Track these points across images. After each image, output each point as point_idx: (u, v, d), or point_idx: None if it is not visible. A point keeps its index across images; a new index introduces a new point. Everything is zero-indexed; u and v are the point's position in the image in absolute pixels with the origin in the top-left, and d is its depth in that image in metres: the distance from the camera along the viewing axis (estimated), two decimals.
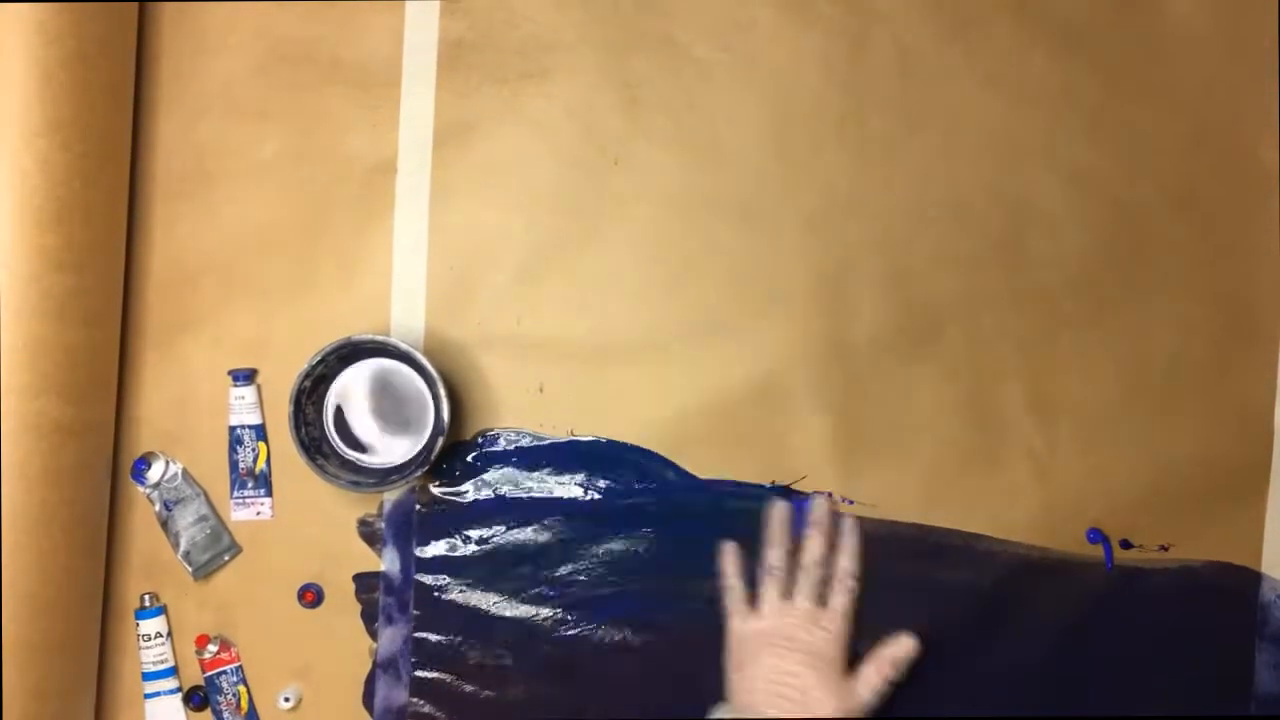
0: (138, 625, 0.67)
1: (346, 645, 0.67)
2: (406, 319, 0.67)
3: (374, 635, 0.67)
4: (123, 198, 0.65)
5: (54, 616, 0.60)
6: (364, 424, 0.66)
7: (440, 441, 0.63)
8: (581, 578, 0.67)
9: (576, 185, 0.67)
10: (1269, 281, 0.67)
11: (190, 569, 0.67)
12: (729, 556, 0.65)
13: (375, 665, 0.67)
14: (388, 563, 0.67)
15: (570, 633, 0.67)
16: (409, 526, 0.67)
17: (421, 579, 0.67)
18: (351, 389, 0.66)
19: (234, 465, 0.67)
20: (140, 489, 0.67)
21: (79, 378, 0.60)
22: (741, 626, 0.63)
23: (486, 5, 0.67)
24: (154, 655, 0.67)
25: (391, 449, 0.66)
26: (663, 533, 0.67)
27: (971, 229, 0.67)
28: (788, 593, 0.62)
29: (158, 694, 0.67)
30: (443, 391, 0.62)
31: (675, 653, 0.66)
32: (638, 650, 0.67)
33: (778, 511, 0.65)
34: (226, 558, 0.68)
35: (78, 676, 0.63)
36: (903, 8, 0.67)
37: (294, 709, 0.67)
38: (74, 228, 0.59)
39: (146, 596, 0.67)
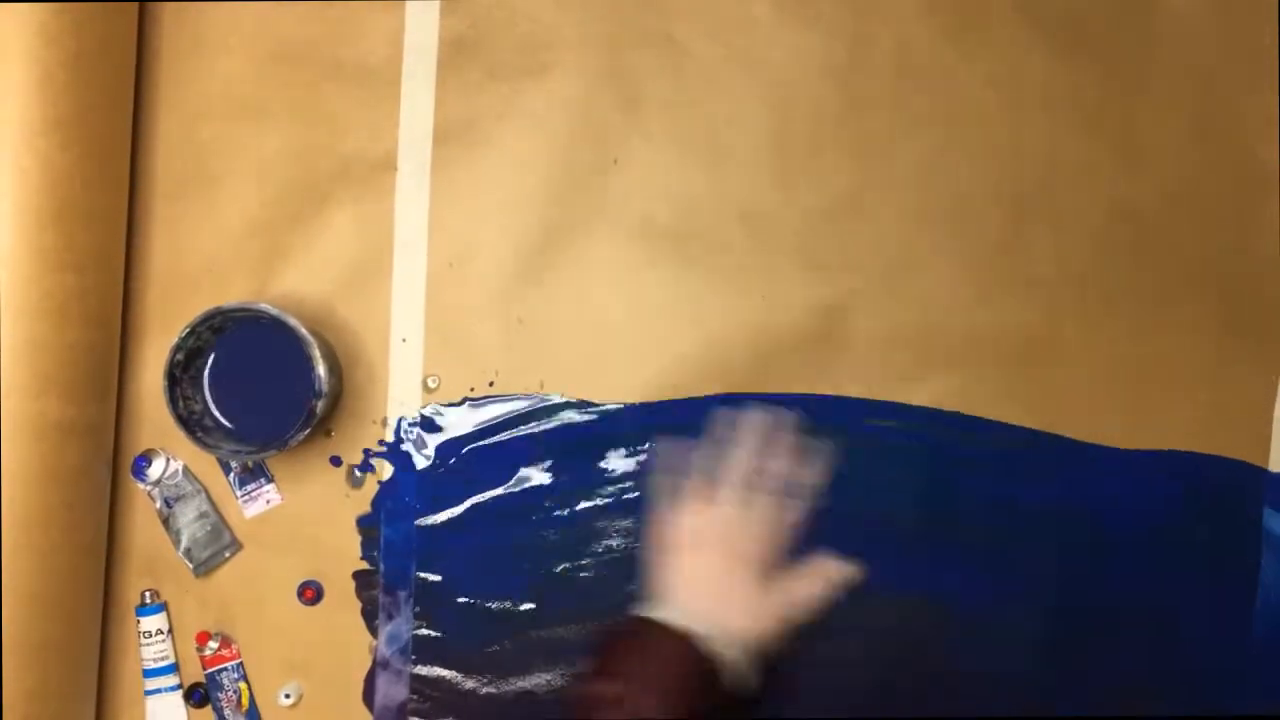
0: (138, 622, 0.67)
1: (347, 642, 0.68)
2: (406, 317, 0.68)
3: (374, 632, 0.68)
4: (123, 198, 0.65)
5: (54, 616, 0.60)
6: (250, 392, 0.65)
7: (320, 404, 0.62)
8: (584, 573, 0.67)
9: (576, 184, 0.68)
10: (1269, 281, 0.67)
11: (191, 566, 0.67)
12: (664, 448, 0.65)
13: (375, 662, 0.68)
14: (387, 559, 0.67)
15: (572, 629, 0.67)
16: (410, 524, 0.67)
17: (422, 576, 0.67)
18: (236, 359, 0.65)
19: (226, 467, 0.68)
20: (141, 486, 0.68)
21: (79, 378, 0.61)
22: (672, 517, 0.62)
23: (486, 4, 0.67)
24: (155, 652, 0.67)
25: (284, 416, 0.64)
26: None
27: (971, 229, 0.67)
28: (722, 493, 0.62)
29: (158, 691, 0.67)
30: (317, 354, 0.62)
31: None
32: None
33: (750, 417, 0.65)
34: (227, 554, 0.68)
35: (78, 676, 0.63)
36: (903, 8, 0.67)
37: (294, 706, 0.68)
38: (74, 228, 0.59)
39: (147, 593, 0.67)
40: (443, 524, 0.67)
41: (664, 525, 0.62)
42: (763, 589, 0.59)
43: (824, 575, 0.61)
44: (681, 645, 0.55)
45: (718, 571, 0.59)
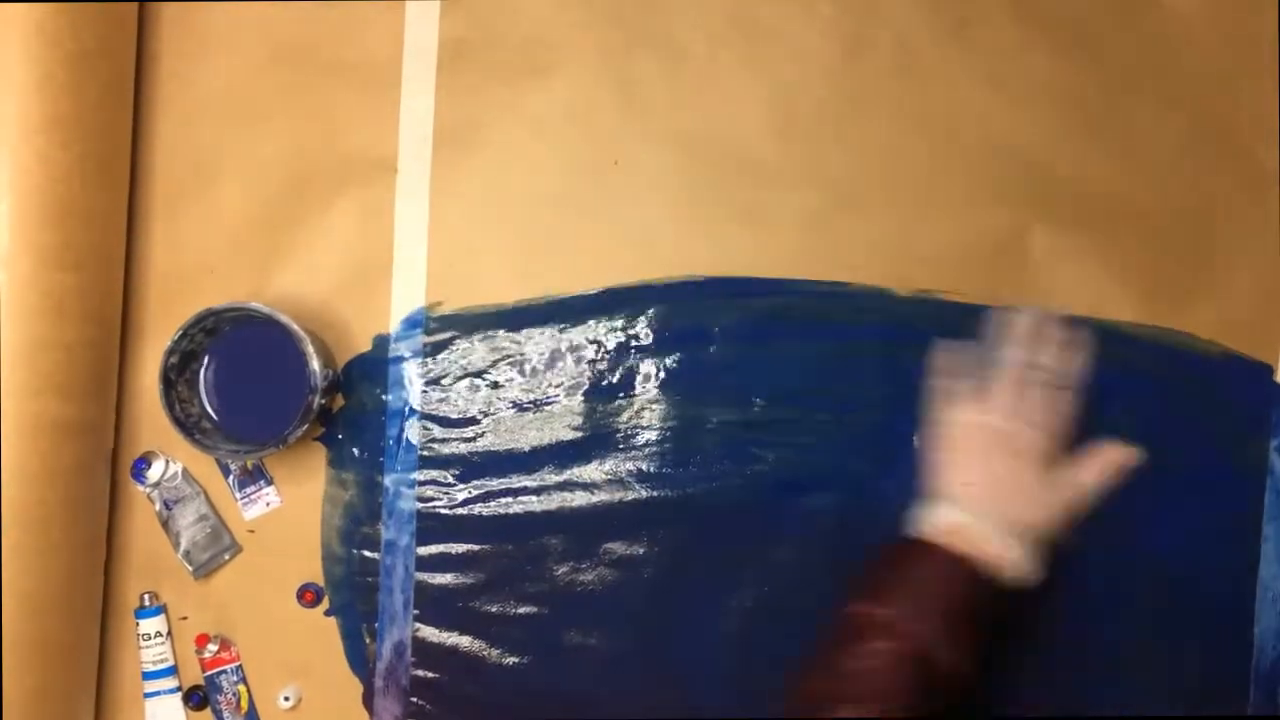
0: (137, 624, 0.67)
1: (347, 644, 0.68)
2: (406, 317, 0.67)
3: (374, 634, 0.68)
4: (123, 197, 0.65)
5: (54, 616, 0.60)
6: (247, 392, 0.65)
7: (315, 400, 0.62)
8: (585, 575, 0.67)
9: (576, 184, 0.67)
10: (1269, 281, 0.67)
11: (191, 568, 0.67)
12: (941, 352, 0.64)
13: (375, 665, 0.67)
14: (388, 560, 0.67)
15: (573, 632, 0.67)
16: (410, 525, 0.67)
17: (422, 578, 0.67)
18: (231, 359, 0.65)
19: (225, 469, 0.68)
20: (140, 488, 0.67)
21: (78, 377, 0.60)
22: (962, 417, 0.62)
23: (487, 4, 0.68)
24: (154, 654, 0.67)
25: (281, 414, 0.64)
26: (669, 532, 0.67)
27: (971, 229, 0.67)
28: (1013, 393, 0.61)
29: (157, 693, 0.67)
30: (311, 350, 0.62)
31: (680, 648, 0.67)
32: (641, 648, 0.67)
33: (1018, 317, 0.64)
34: (227, 557, 0.68)
35: (77, 676, 0.63)
36: (903, 8, 0.67)
37: (294, 708, 0.67)
38: (73, 227, 0.59)
39: (146, 595, 0.67)
40: (444, 525, 0.67)
41: (944, 427, 0.62)
42: (1047, 481, 0.60)
43: (1105, 461, 0.61)
44: (959, 565, 0.56)
45: (1002, 468, 0.59)
